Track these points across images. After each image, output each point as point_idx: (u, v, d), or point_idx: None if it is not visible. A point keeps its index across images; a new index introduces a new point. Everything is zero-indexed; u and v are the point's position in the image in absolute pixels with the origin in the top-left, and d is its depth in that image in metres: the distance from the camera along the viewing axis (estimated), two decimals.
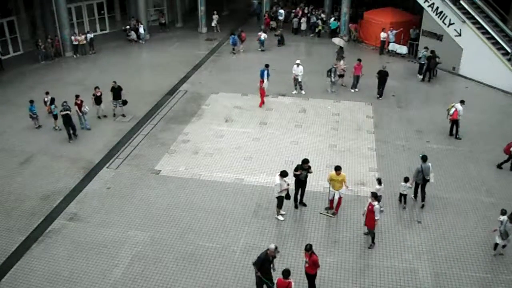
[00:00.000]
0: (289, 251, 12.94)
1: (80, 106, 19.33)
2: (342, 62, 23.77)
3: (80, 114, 19.46)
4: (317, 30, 33.26)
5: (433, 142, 18.76)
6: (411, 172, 16.29)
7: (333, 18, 32.92)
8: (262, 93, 21.92)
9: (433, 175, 14.88)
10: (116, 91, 20.52)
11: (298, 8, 35.76)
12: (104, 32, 33.69)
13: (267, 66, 22.55)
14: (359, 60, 23.31)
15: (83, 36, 29.38)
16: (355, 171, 16.71)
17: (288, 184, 13.74)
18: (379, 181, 14.41)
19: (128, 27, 32.29)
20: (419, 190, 14.93)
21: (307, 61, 28.45)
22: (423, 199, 14.95)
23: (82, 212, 14.65)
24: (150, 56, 30.40)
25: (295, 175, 14.18)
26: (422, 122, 20.45)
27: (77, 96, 19.41)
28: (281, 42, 31.35)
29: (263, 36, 30.04)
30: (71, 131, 18.84)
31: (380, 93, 22.78)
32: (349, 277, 12.11)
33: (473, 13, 25.14)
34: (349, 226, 13.95)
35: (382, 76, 22.56)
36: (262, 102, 22.00)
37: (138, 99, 22.09)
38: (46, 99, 20.10)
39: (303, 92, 23.12)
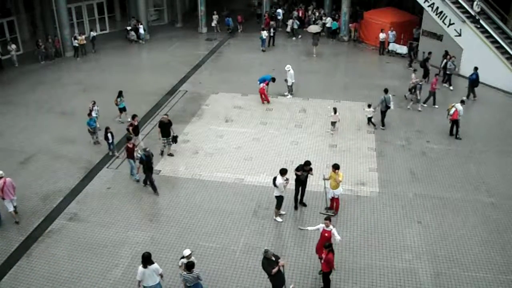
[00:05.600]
0: (289, 251, 12.94)
1: (131, 151, 16.01)
2: (413, 75, 22.39)
3: (132, 160, 16.06)
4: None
5: (433, 142, 18.75)
6: (412, 173, 16.46)
7: (328, 18, 32.93)
8: (262, 91, 22.04)
9: (393, 104, 19.82)
10: (166, 126, 17.22)
11: (297, 8, 35.83)
12: (104, 32, 33.72)
13: (273, 80, 22.59)
14: (437, 74, 22.37)
15: (83, 36, 29.40)
16: (355, 171, 16.71)
17: (287, 180, 13.68)
18: (335, 110, 18.95)
19: (129, 27, 32.28)
20: (383, 116, 19.47)
21: (308, 61, 28.56)
22: (383, 124, 19.58)
23: (82, 212, 14.66)
24: (150, 56, 30.41)
25: (296, 174, 14.18)
26: (422, 122, 20.46)
27: (128, 139, 16.26)
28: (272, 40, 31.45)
29: (264, 34, 30.06)
30: (152, 181, 15.56)
31: (412, 60, 27.02)
32: (349, 277, 12.10)
33: (473, 13, 25.15)
34: (349, 226, 13.95)
35: (411, 44, 27.56)
36: (266, 99, 22.21)
37: (138, 99, 22.08)
38: (91, 107, 18.95)
39: (291, 95, 23.01)
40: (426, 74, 24.53)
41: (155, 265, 10.77)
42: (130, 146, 15.98)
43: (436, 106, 21.62)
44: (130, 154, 15.98)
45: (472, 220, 14.26)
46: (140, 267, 10.63)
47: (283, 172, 13.62)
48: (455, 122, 18.88)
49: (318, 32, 30.32)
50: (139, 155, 15.79)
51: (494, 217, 14.37)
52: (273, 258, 10.76)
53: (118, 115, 20.23)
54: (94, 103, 19.31)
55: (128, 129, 17.63)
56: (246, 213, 14.55)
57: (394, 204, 14.95)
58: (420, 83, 21.38)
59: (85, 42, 29.26)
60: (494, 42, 24.36)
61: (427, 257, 12.77)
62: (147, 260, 10.59)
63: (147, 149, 15.42)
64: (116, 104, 20.06)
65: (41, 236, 13.61)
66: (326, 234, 11.66)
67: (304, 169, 14.09)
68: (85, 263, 12.60)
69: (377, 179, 16.27)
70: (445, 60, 24.19)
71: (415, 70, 23.28)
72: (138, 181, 16.07)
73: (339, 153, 17.94)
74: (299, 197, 14.67)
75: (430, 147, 18.37)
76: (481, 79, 24.08)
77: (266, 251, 10.73)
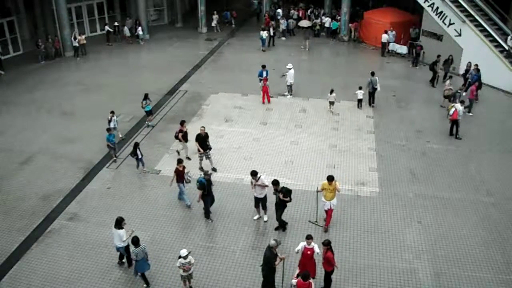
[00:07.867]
0: (290, 251, 12.92)
1: (182, 173, 14.57)
2: (448, 82, 21.84)
3: (182, 184, 14.70)
4: (315, 30, 33.28)
5: (433, 142, 18.76)
6: (412, 173, 16.54)
7: (327, 18, 32.99)
8: (265, 90, 22.06)
9: (379, 85, 21.29)
10: (204, 139, 16.36)
11: (297, 8, 35.83)
12: (104, 32, 33.65)
13: (263, 66, 22.77)
14: (475, 82, 22.09)
15: (83, 36, 29.42)
16: (355, 171, 16.72)
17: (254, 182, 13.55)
18: (332, 91, 20.87)
19: (108, 28, 31.66)
20: (371, 97, 21.41)
21: (308, 61, 28.60)
22: (373, 101, 21.63)
23: (82, 212, 14.66)
24: (150, 56, 30.39)
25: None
26: (422, 122, 20.46)
27: (179, 161, 14.58)
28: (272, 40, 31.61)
29: (265, 35, 30.06)
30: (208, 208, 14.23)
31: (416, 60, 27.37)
32: (349, 277, 12.11)
33: (473, 13, 25.16)
34: (349, 226, 13.95)
35: (416, 45, 27.50)
36: (268, 99, 22.22)
37: (139, 99, 22.00)
38: (109, 118, 18.09)
39: (290, 95, 23.02)
40: (434, 77, 24.45)
41: (121, 231, 11.80)
42: (181, 168, 14.39)
43: (471, 114, 20.96)
44: (180, 177, 14.55)
45: (472, 220, 14.25)
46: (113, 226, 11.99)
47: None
48: (455, 122, 18.89)
49: (309, 26, 32.41)
50: (190, 179, 14.87)
51: (494, 217, 14.37)
52: (274, 252, 10.95)
53: (149, 119, 20.18)
54: (113, 113, 18.28)
55: (177, 136, 17.05)
56: (246, 213, 14.55)
57: (394, 204, 14.95)
58: (459, 91, 20.88)
59: (85, 42, 29.27)
60: (494, 41, 24.37)
61: (427, 257, 12.77)
62: (116, 223, 11.86)
63: (209, 172, 14.01)
64: (142, 107, 19.97)
65: (41, 236, 13.60)
66: (309, 252, 11.31)
67: (275, 188, 13.26)
68: (85, 263, 12.60)
69: (377, 179, 16.27)
70: (465, 68, 23.62)
71: (450, 77, 22.75)
72: (189, 206, 14.75)
73: (339, 153, 17.94)
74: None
75: (430, 147, 18.37)
76: (481, 79, 24.15)
77: (276, 243, 10.90)
